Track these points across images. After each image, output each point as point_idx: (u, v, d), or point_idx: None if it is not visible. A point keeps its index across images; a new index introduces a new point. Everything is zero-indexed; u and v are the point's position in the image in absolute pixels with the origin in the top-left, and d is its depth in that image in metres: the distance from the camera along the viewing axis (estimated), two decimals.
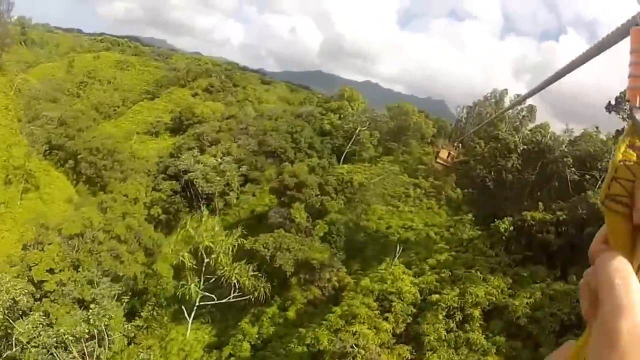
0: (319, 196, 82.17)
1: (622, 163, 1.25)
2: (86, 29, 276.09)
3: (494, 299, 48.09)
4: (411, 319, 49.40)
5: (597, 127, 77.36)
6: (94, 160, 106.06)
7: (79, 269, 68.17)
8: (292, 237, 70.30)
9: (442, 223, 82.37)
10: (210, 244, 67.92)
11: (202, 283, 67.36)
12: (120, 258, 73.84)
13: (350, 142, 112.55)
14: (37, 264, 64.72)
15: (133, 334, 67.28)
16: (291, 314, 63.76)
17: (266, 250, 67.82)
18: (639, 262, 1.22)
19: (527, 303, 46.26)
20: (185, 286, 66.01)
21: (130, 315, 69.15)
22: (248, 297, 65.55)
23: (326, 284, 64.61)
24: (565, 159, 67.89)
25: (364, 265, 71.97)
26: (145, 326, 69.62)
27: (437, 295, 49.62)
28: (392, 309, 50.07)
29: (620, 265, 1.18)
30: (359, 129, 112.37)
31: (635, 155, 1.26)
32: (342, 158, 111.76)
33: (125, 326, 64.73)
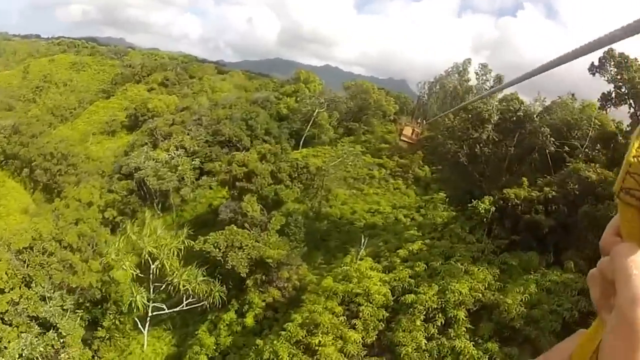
0: (272, 185, 72.20)
1: (635, 159, 1.25)
2: (44, 34, 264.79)
3: (481, 295, 39.07)
4: (383, 325, 40.21)
5: (572, 95, 68.89)
6: (48, 166, 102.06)
7: (31, 285, 60.47)
8: (244, 233, 60.80)
9: (412, 204, 73.88)
10: (153, 249, 58.46)
11: (151, 292, 59.18)
12: (74, 268, 66.49)
13: (309, 125, 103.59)
14: None
15: (97, 346, 59.91)
16: (249, 320, 54.57)
17: (217, 250, 58.29)
18: None
19: (520, 300, 37.23)
20: (132, 298, 57.27)
21: (95, 325, 61.66)
22: (202, 303, 56.90)
23: (285, 284, 55.10)
24: (542, 129, 58.83)
25: (328, 258, 63.17)
26: (107, 337, 61.17)
27: (412, 295, 40.28)
28: (360, 313, 40.92)
29: (637, 256, 1.17)
30: (317, 111, 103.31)
31: None
32: (302, 142, 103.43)
33: (86, 338, 58.68)
